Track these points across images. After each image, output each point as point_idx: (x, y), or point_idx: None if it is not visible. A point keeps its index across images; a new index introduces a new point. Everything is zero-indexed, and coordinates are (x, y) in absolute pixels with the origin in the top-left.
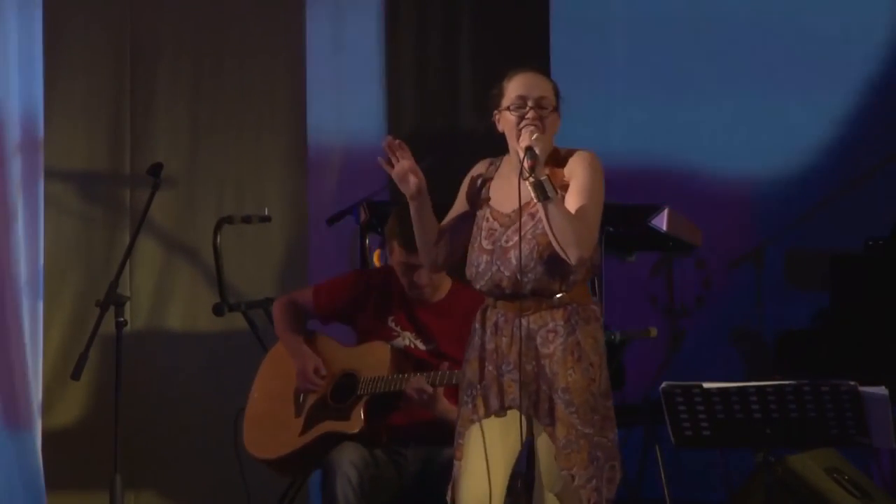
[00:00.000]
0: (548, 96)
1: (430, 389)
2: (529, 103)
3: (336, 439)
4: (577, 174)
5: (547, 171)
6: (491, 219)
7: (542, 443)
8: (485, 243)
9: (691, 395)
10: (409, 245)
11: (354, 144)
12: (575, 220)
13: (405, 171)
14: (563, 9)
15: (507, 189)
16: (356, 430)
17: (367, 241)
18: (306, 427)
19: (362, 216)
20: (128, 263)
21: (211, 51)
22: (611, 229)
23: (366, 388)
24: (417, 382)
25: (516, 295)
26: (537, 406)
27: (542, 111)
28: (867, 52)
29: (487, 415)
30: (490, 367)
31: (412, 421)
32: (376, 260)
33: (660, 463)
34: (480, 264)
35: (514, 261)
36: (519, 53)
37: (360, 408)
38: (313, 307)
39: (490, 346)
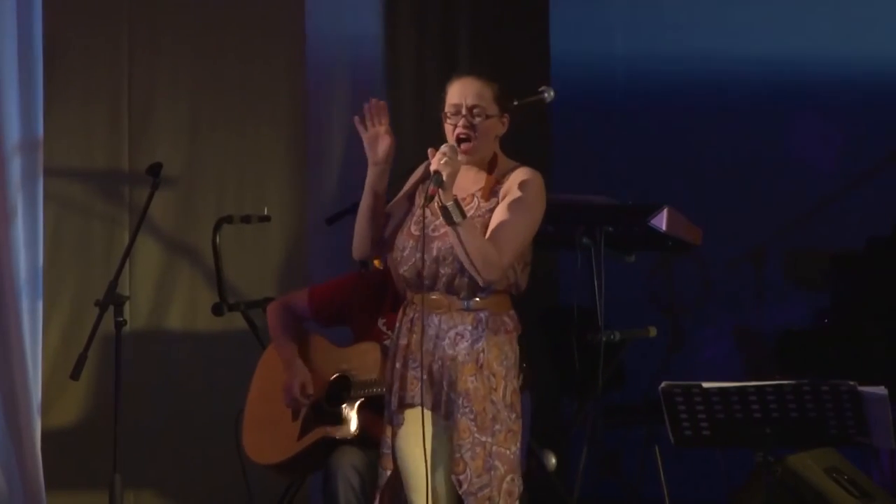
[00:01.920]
0: (481, 104)
1: None
2: (462, 111)
3: (332, 443)
4: (510, 194)
5: (457, 194)
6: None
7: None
8: (413, 229)
9: (691, 395)
10: None
11: (354, 143)
12: (485, 244)
13: (377, 134)
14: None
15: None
16: (351, 435)
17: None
18: (303, 431)
19: None
20: (127, 263)
21: (210, 49)
22: (610, 229)
23: (359, 390)
24: None
25: (434, 287)
26: (438, 405)
27: (475, 119)
28: None
29: (392, 415)
30: (397, 364)
31: None
32: (376, 261)
33: (659, 463)
34: (406, 249)
35: (434, 251)
36: (519, 51)
37: (353, 411)
38: (308, 310)
39: (402, 342)
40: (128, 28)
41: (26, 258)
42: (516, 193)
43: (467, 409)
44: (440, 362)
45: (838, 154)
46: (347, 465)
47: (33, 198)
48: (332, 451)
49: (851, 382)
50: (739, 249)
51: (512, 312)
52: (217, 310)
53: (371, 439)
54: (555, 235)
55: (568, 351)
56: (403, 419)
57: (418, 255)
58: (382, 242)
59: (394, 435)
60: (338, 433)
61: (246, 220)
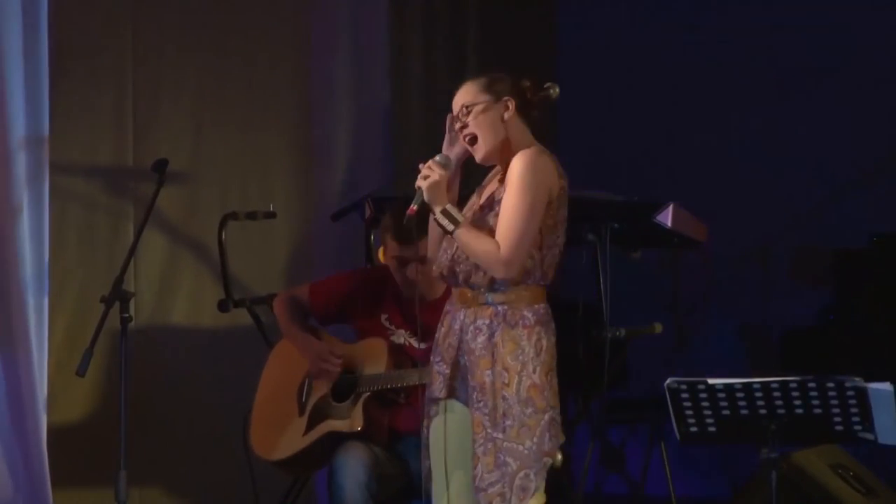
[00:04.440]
0: (467, 100)
1: None
2: (460, 115)
3: (339, 438)
4: (508, 184)
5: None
6: (471, 211)
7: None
8: None
9: (696, 392)
10: (402, 238)
11: (360, 141)
12: (485, 245)
13: (459, 136)
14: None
15: (489, 183)
16: (357, 429)
17: (372, 237)
18: (309, 427)
19: (367, 212)
20: (132, 259)
21: (215, 47)
22: (616, 225)
23: (365, 385)
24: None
25: (457, 283)
26: (458, 399)
27: (468, 117)
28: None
29: (426, 411)
30: (431, 359)
31: (418, 425)
32: (381, 256)
33: (665, 459)
34: (441, 249)
35: (453, 249)
36: (526, 50)
37: (359, 406)
38: (310, 305)
39: (437, 337)
40: (132, 25)
41: (32, 254)
42: (511, 185)
43: (481, 404)
44: (465, 356)
45: (844, 150)
46: (354, 460)
47: (39, 194)
48: (338, 447)
49: (857, 379)
50: (745, 246)
51: (537, 307)
52: (223, 306)
53: (377, 434)
54: None
55: (573, 347)
56: (433, 412)
57: (446, 254)
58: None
59: (427, 428)
60: (344, 428)
61: (251, 216)
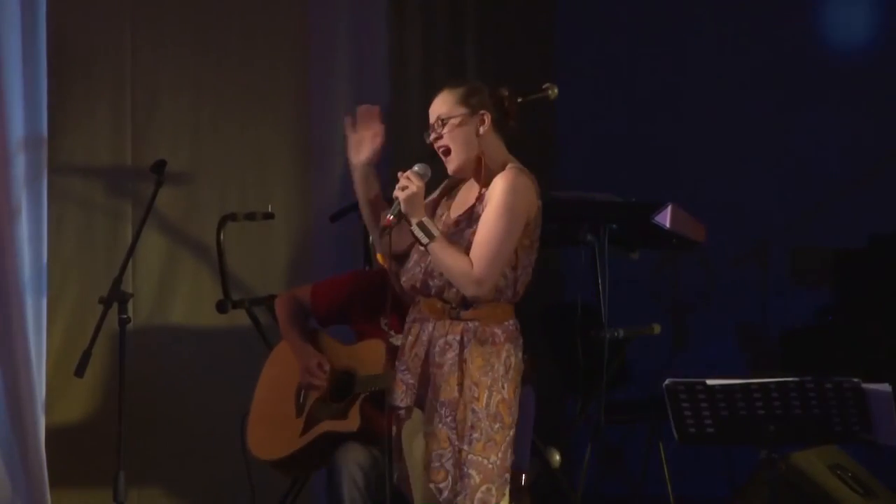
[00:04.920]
0: (444, 111)
1: None
2: (435, 126)
3: (336, 439)
4: (489, 203)
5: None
6: (441, 223)
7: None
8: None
9: (695, 392)
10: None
11: None
12: (458, 262)
13: (361, 139)
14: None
15: (462, 196)
16: (354, 429)
17: (371, 238)
18: (307, 427)
19: None
20: (131, 260)
21: (214, 47)
22: (614, 226)
23: (363, 386)
24: None
25: (429, 295)
26: (422, 409)
27: (444, 129)
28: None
29: (390, 416)
30: (397, 366)
31: None
32: (379, 257)
33: (663, 459)
34: (411, 261)
35: (426, 262)
36: (525, 64)
37: (357, 407)
38: (311, 306)
39: (402, 343)
40: (131, 25)
41: (30, 255)
42: (491, 204)
43: (449, 419)
44: (431, 369)
45: (843, 150)
46: (352, 462)
47: (37, 195)
48: (335, 448)
49: (855, 379)
50: (743, 247)
51: (507, 324)
52: (221, 307)
53: (374, 435)
54: (559, 232)
55: (572, 348)
56: (402, 416)
57: (418, 268)
58: (403, 254)
59: (398, 431)
60: (340, 428)
61: (250, 217)
